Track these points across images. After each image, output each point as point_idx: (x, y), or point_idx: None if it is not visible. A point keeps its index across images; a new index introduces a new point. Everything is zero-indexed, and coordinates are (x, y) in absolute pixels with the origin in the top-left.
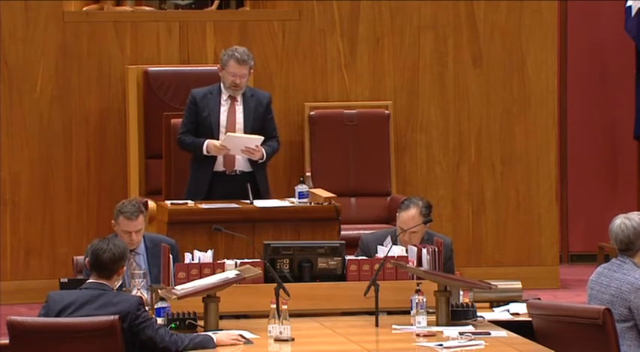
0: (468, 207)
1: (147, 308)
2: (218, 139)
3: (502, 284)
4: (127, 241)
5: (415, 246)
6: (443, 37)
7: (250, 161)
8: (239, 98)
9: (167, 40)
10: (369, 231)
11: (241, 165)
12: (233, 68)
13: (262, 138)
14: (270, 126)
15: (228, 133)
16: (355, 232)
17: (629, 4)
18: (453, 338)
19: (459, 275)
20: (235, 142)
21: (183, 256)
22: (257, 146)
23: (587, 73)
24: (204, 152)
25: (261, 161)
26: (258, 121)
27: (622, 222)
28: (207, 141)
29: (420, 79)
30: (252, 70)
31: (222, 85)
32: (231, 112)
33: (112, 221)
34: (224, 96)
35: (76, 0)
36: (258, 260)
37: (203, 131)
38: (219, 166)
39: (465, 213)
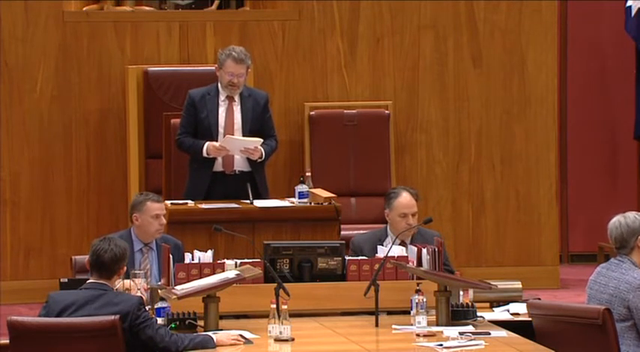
0: (468, 207)
1: (147, 308)
2: (217, 139)
3: (502, 284)
4: (155, 228)
5: (415, 245)
6: (443, 37)
7: (249, 161)
8: (237, 98)
9: (167, 40)
10: (359, 232)
11: (240, 164)
12: (230, 67)
13: (261, 140)
14: (268, 126)
15: (227, 135)
16: (355, 232)
17: (629, 4)
18: (453, 338)
19: (459, 275)
20: (234, 143)
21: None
22: (256, 146)
23: (587, 73)
24: (204, 154)
25: (260, 160)
26: (256, 121)
27: (618, 219)
28: (207, 144)
29: (420, 79)
30: (249, 70)
31: (219, 85)
32: (229, 112)
33: (135, 214)
34: (222, 97)
35: (76, 0)
36: (258, 260)
37: (201, 132)
38: (218, 166)
39: (465, 213)
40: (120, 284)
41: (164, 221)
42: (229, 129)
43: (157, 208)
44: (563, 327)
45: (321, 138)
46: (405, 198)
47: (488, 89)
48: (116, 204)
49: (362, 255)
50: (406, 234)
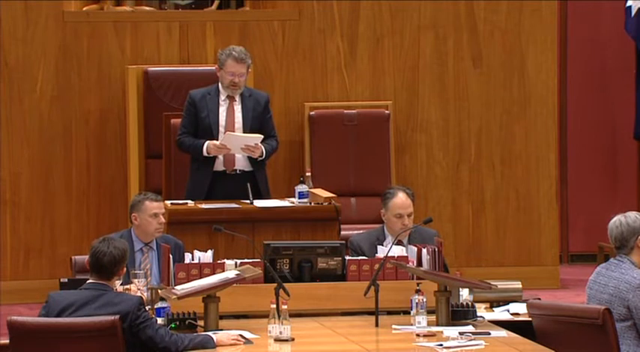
0: (468, 207)
1: (147, 308)
2: (217, 139)
3: (502, 284)
4: (154, 227)
5: (415, 245)
6: (443, 37)
7: (250, 160)
8: (237, 98)
9: (167, 40)
10: (358, 232)
11: (241, 164)
12: (231, 67)
13: (262, 136)
14: (269, 126)
15: (228, 132)
16: (355, 232)
17: (629, 4)
18: (453, 338)
19: (459, 275)
20: (235, 141)
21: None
22: (256, 144)
23: (587, 73)
24: (205, 153)
25: (260, 159)
26: (257, 121)
27: (618, 218)
28: (207, 142)
29: (420, 79)
30: (249, 69)
31: (219, 85)
32: (229, 112)
33: (134, 213)
34: (222, 97)
35: (76, 0)
36: (258, 260)
37: (202, 131)
38: (219, 166)
39: (465, 213)
40: (120, 288)
41: (163, 220)
42: (230, 129)
43: (155, 207)
44: (563, 327)
45: (321, 138)
46: (400, 199)
47: (488, 89)
48: (116, 204)
49: (362, 255)
50: (410, 223)
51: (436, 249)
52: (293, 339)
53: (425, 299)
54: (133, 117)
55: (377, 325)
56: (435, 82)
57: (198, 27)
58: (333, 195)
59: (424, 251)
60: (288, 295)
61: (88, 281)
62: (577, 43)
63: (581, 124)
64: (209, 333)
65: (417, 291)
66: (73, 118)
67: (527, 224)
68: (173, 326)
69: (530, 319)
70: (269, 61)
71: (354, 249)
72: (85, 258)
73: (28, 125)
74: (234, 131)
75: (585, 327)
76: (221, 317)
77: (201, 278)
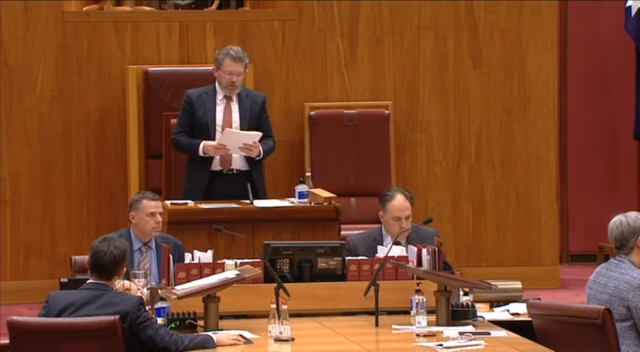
0: (468, 207)
1: (147, 308)
2: (214, 138)
3: (502, 284)
4: (151, 226)
5: (415, 245)
6: (443, 37)
7: (247, 159)
8: (234, 98)
9: (167, 40)
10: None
11: (238, 163)
12: (229, 66)
13: (260, 134)
14: (266, 126)
15: (227, 129)
16: (355, 232)
17: (629, 4)
18: (453, 338)
19: (459, 275)
20: (234, 139)
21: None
22: (255, 142)
23: (587, 73)
24: (201, 153)
25: (258, 158)
26: (254, 120)
27: (618, 218)
28: (203, 143)
29: (420, 79)
30: (247, 69)
31: (217, 85)
32: (227, 111)
33: (132, 212)
34: (219, 96)
35: (76, 0)
36: (258, 260)
37: (199, 131)
38: (215, 165)
39: (465, 213)
40: (120, 284)
41: (160, 219)
42: (227, 128)
43: (153, 206)
44: (563, 327)
45: (321, 138)
46: (398, 202)
47: (488, 89)
48: (116, 204)
49: (357, 255)
50: (407, 225)
51: (436, 249)
52: (293, 339)
53: (425, 299)
54: (133, 117)
55: (377, 325)
56: (435, 82)
57: (198, 27)
58: (333, 195)
59: (424, 251)
60: (288, 295)
61: (88, 281)
62: (577, 43)
63: (581, 124)
64: (209, 333)
65: (417, 291)
66: (73, 118)
67: (527, 224)
68: (173, 326)
69: (530, 319)
70: (269, 61)
71: (350, 249)
72: (85, 258)
73: (28, 125)
74: None
75: (585, 327)
76: (221, 317)
77: (201, 278)
